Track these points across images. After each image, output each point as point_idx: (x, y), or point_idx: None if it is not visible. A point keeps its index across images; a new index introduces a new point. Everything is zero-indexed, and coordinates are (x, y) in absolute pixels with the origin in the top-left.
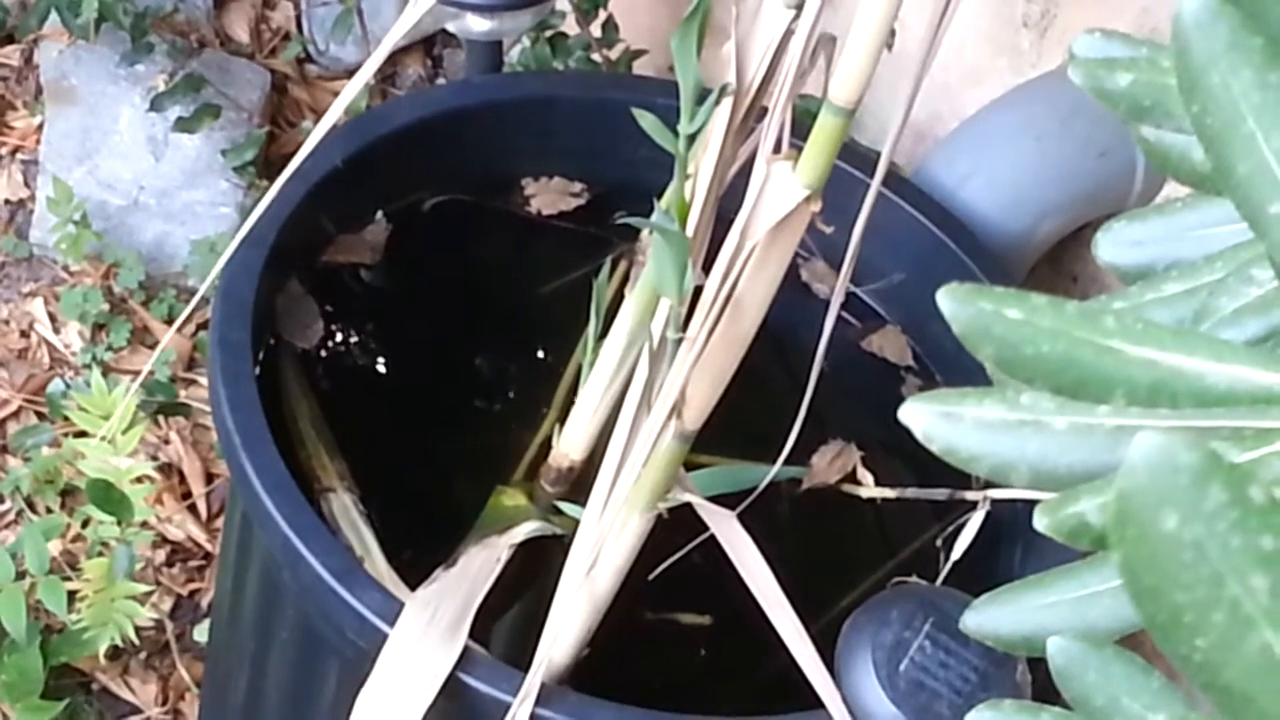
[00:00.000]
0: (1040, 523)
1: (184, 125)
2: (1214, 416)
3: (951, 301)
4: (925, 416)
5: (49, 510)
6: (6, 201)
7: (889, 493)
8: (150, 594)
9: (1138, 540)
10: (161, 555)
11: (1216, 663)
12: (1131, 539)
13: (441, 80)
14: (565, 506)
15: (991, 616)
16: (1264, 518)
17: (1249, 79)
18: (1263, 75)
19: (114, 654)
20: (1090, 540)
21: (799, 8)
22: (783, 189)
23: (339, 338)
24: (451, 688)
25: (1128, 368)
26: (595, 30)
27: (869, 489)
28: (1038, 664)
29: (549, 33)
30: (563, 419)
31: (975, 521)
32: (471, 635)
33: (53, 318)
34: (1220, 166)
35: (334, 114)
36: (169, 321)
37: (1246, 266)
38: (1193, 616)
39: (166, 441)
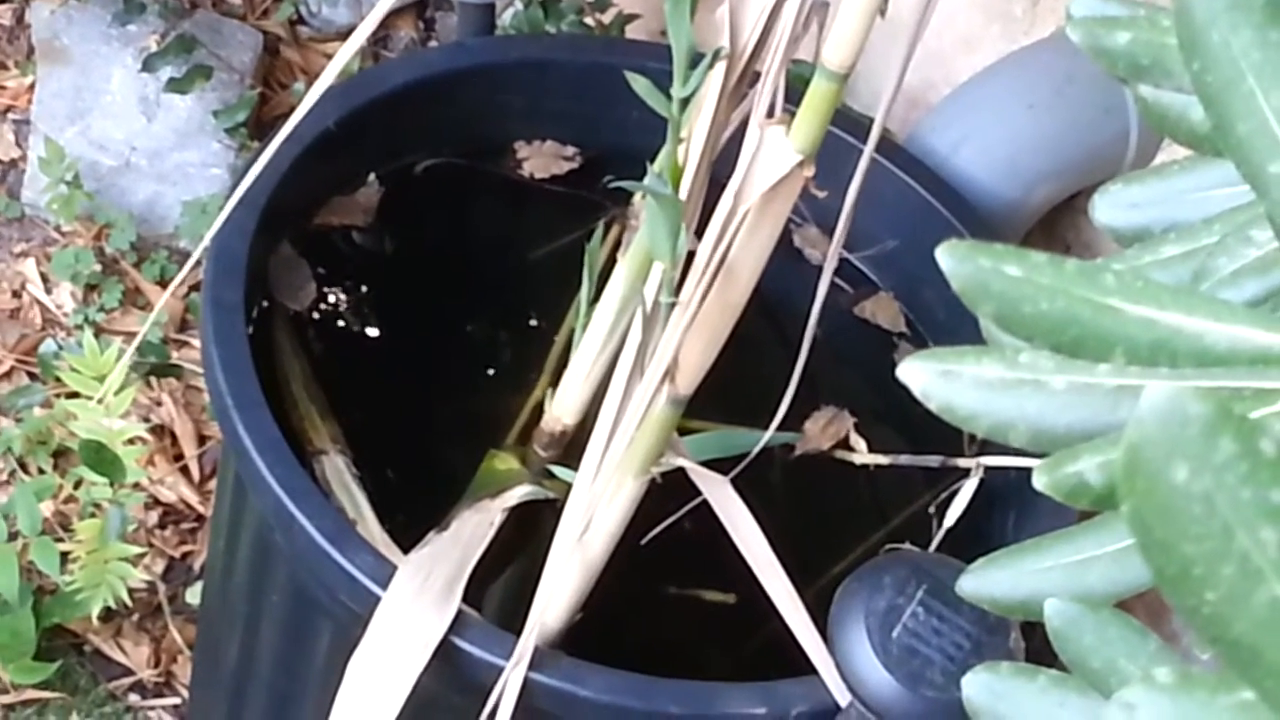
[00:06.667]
0: (1039, 481)
1: (176, 86)
2: (1213, 376)
3: (951, 258)
4: (924, 374)
5: (41, 471)
6: None
7: (882, 459)
8: (143, 556)
9: (1147, 492)
10: (154, 517)
11: (1225, 616)
12: (1141, 491)
13: (434, 43)
14: (558, 470)
15: (988, 580)
16: (1274, 470)
17: (1249, 37)
18: (1263, 33)
19: (106, 616)
20: (1089, 500)
21: None
22: (776, 154)
23: (331, 300)
24: (444, 651)
25: (1127, 326)
26: None
27: (862, 455)
28: (1031, 631)
29: None
30: (555, 383)
31: (968, 488)
32: (464, 599)
33: (45, 278)
34: (1220, 125)
35: (328, 78)
36: (160, 282)
37: (1245, 228)
38: (1202, 569)
39: (159, 403)
